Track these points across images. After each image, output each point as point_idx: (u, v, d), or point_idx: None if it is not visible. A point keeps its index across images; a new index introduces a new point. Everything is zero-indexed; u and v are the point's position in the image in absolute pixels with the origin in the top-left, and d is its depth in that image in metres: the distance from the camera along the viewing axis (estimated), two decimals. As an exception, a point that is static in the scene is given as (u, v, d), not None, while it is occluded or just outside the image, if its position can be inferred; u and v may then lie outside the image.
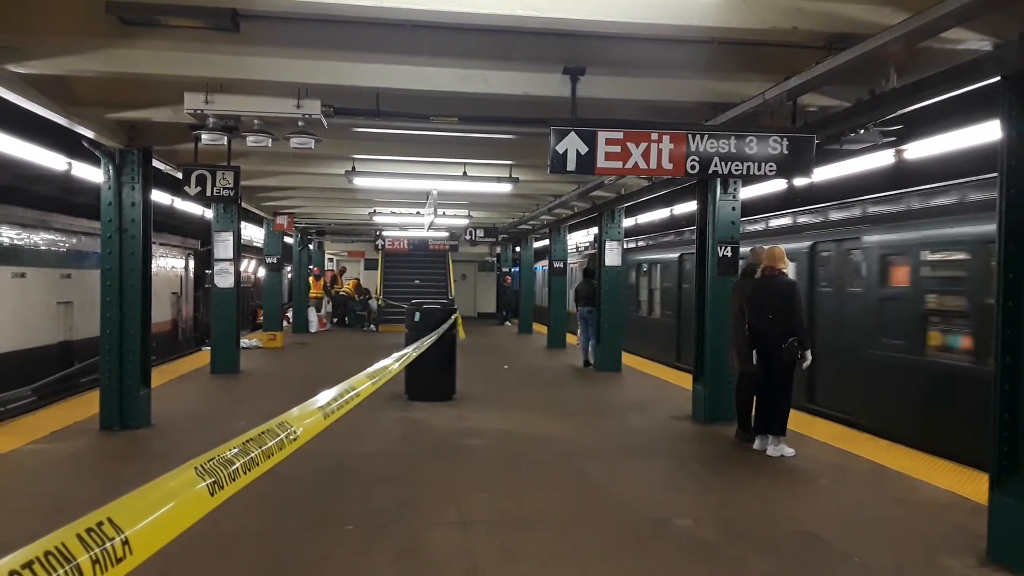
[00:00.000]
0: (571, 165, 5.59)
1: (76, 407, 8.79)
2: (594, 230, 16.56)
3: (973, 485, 5.76)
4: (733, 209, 8.42)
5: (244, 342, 14.85)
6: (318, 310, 21.87)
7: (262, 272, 21.67)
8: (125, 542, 1.41)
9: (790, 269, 8.04)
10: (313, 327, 20.81)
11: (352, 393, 3.20)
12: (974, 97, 4.86)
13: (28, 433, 7.33)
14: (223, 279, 12.14)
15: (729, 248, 8.32)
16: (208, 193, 7.90)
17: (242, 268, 17.49)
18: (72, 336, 13.81)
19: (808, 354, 6.87)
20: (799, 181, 9.76)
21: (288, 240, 21.17)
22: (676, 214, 19.15)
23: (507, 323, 25.37)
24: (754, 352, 7.01)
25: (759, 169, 5.73)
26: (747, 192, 10.99)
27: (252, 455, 2.06)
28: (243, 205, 13.56)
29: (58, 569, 1.21)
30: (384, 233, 22.51)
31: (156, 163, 8.41)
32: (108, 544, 1.36)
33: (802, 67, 5.39)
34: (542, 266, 24.89)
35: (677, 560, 4.46)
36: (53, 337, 13.27)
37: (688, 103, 6.69)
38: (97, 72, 5.95)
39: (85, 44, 5.54)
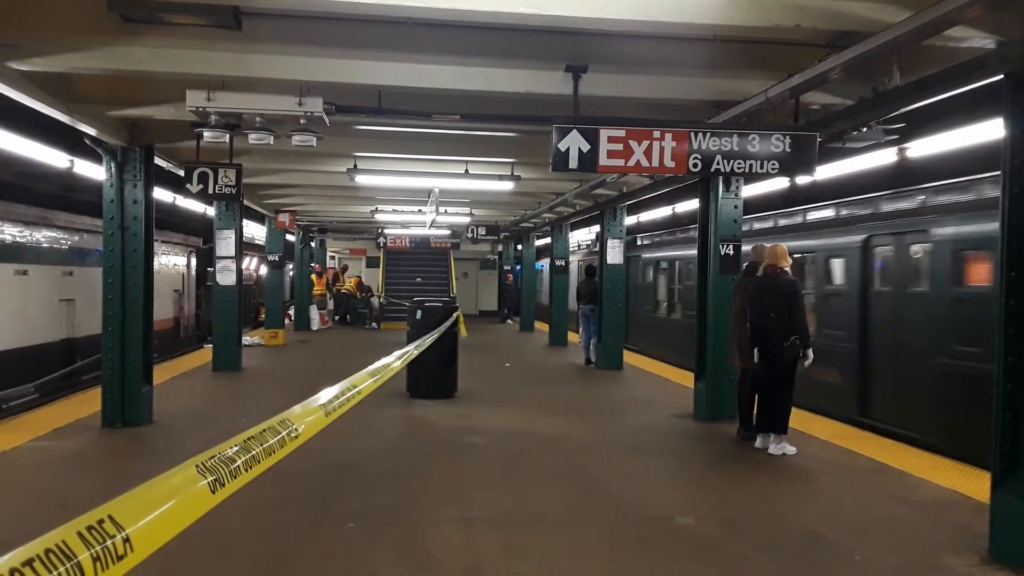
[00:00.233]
0: (573, 163, 5.59)
1: (78, 404, 8.80)
2: (596, 228, 16.50)
3: (975, 484, 5.75)
4: (735, 207, 8.42)
5: (246, 340, 14.88)
6: (322, 308, 21.88)
7: (264, 270, 21.69)
8: (126, 540, 1.41)
9: (837, 267, 7.51)
10: (315, 325, 20.82)
11: (354, 391, 3.21)
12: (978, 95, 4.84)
13: (30, 430, 7.34)
14: (225, 277, 12.15)
15: (731, 246, 8.32)
16: (210, 191, 7.92)
17: (244, 266, 17.52)
18: (74, 333, 13.85)
19: (810, 352, 6.87)
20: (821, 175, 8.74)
21: (290, 238, 21.18)
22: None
23: (509, 321, 25.38)
24: (755, 350, 7.02)
25: (761, 167, 5.73)
26: (782, 183, 10.38)
27: (253, 452, 2.07)
28: (245, 203, 13.59)
29: (59, 567, 1.21)
30: (386, 231, 22.53)
31: (158, 160, 8.43)
32: (109, 542, 1.36)
33: (805, 65, 5.39)
34: (544, 264, 24.83)
35: (678, 558, 4.46)
36: (55, 334, 13.30)
37: (690, 101, 6.67)
38: (99, 69, 5.95)
39: (87, 42, 5.54)
